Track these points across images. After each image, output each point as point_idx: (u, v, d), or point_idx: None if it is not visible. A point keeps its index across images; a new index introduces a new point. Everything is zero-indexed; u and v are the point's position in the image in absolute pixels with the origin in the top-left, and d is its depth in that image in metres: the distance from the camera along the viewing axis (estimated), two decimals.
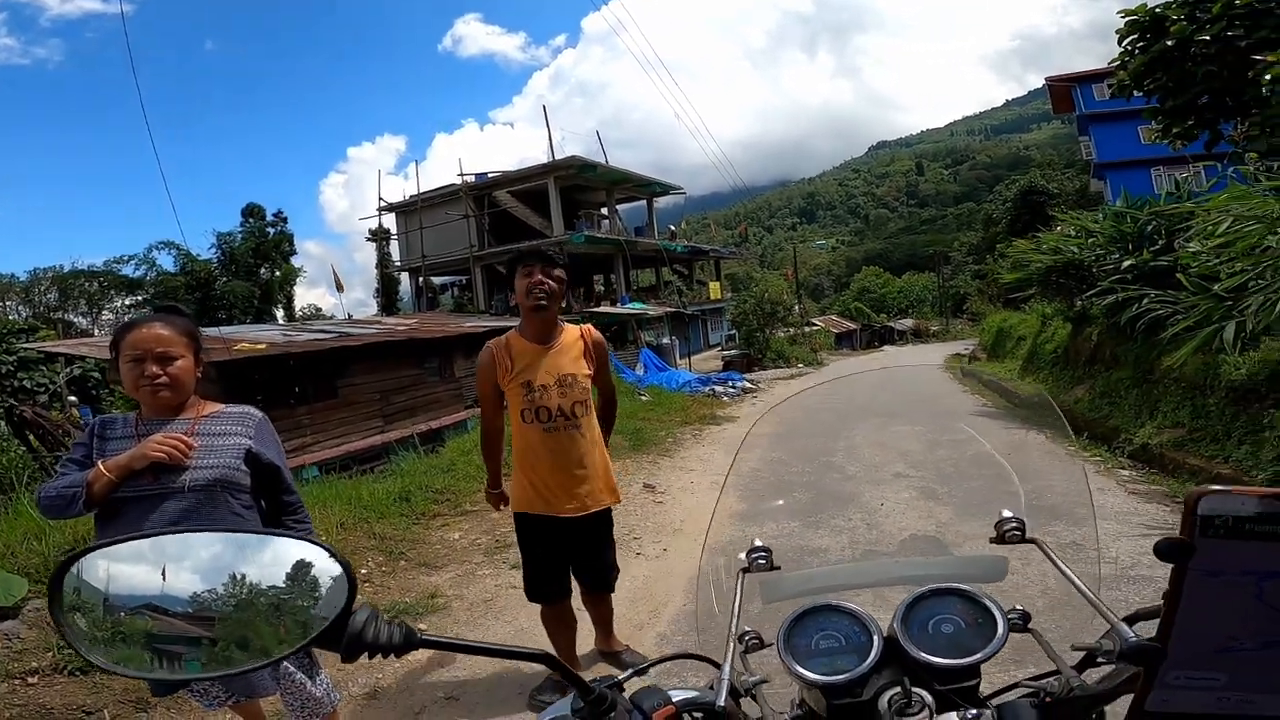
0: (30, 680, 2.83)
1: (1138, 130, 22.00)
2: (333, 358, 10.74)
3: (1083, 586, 0.75)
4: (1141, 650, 0.47)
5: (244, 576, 0.56)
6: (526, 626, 3.37)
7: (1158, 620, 0.65)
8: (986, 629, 0.75)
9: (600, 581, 2.75)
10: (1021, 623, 0.78)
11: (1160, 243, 7.55)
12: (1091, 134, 27.31)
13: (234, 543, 0.60)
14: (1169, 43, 9.04)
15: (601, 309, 22.58)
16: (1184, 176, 10.55)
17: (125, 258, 37.51)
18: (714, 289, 31.34)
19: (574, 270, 23.01)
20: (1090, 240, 8.75)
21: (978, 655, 0.72)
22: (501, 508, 2.83)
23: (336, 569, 0.58)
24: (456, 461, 6.76)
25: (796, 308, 30.57)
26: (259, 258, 36.70)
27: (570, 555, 2.66)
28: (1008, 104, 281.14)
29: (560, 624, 2.73)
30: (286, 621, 0.56)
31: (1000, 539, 0.88)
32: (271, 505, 2.05)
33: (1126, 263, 7.62)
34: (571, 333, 2.61)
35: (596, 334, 2.67)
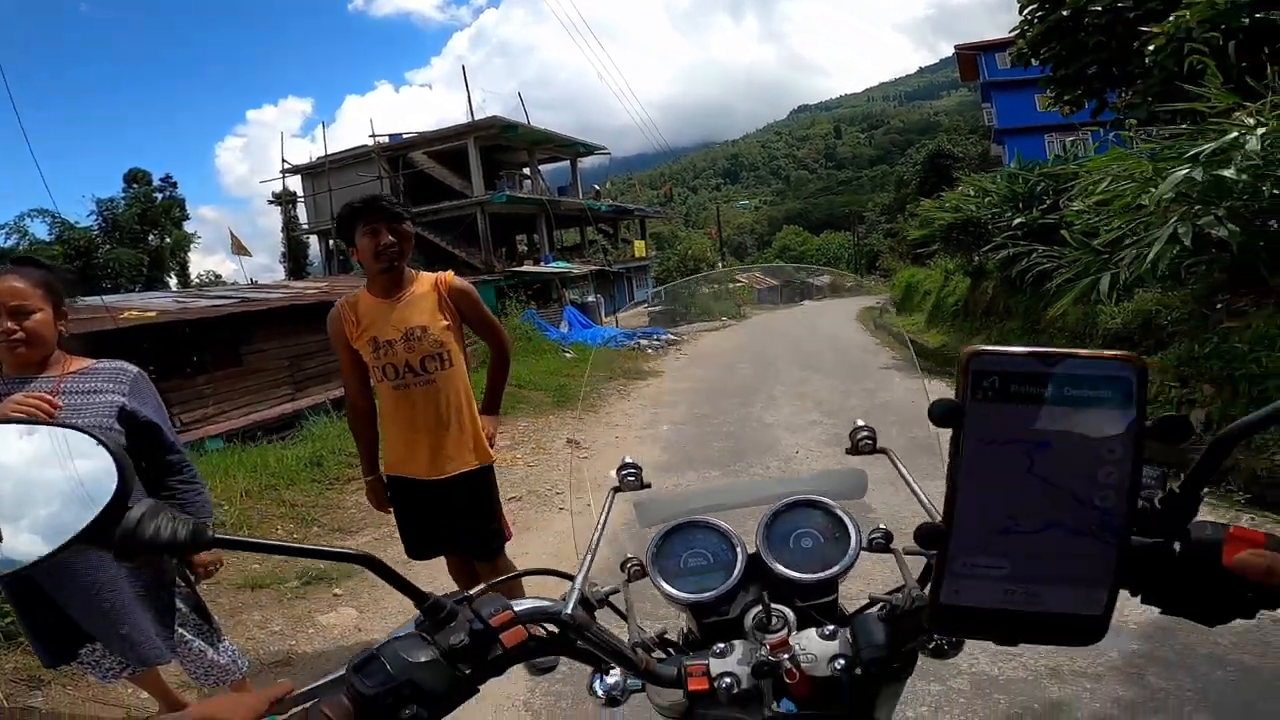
0: None
1: (1034, 98, 23.17)
2: (235, 323, 10.10)
3: (922, 495, 0.76)
4: (927, 533, 0.42)
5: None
6: (448, 584, 3.36)
7: None
8: (843, 543, 0.76)
9: (481, 551, 2.55)
10: (884, 541, 0.77)
11: (1048, 202, 8.06)
12: (993, 101, 28.58)
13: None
14: (1065, 13, 9.53)
15: (524, 268, 22.21)
16: (1071, 141, 11.29)
17: None
18: (639, 247, 31.29)
19: (495, 229, 22.29)
20: (987, 199, 9.26)
21: (834, 569, 0.73)
22: (387, 508, 2.53)
23: (106, 460, 0.53)
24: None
25: (720, 265, 30.99)
26: (146, 224, 33.90)
27: (445, 518, 2.46)
28: (920, 71, 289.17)
29: (462, 575, 2.65)
30: (26, 499, 0.52)
31: (854, 449, 0.89)
32: (153, 465, 1.94)
33: (1017, 220, 8.12)
34: (424, 283, 2.40)
35: (458, 281, 2.44)
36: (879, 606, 0.68)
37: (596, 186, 32.72)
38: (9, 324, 1.71)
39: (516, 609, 0.60)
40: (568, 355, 12.22)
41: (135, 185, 34.56)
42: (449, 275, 2.45)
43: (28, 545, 0.51)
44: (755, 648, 0.65)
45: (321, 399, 9.77)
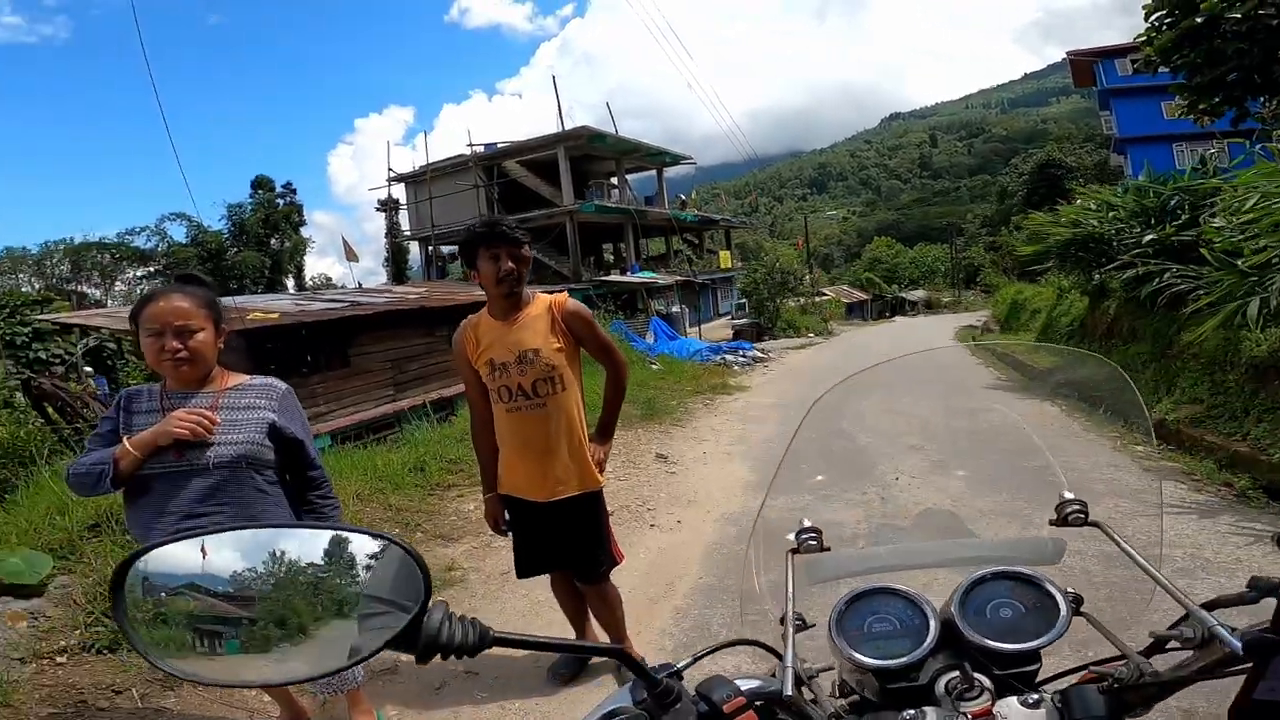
0: (59, 660, 2.80)
1: (1160, 106, 21.67)
2: (344, 326, 10.71)
3: (1155, 572, 0.73)
4: (1260, 643, 0.46)
5: (283, 554, 0.55)
6: (543, 599, 3.36)
7: (1238, 607, 0.62)
8: (1046, 613, 0.74)
9: (585, 574, 2.55)
10: (1075, 606, 0.76)
11: (1184, 217, 7.40)
12: (1113, 108, 26.92)
13: (287, 532, 0.58)
14: (1198, 19, 8.87)
15: (611, 278, 22.51)
16: (1209, 152, 10.38)
17: (137, 229, 37.86)
18: (724, 258, 31.12)
19: (583, 239, 22.66)
20: (1111, 214, 8.60)
21: (1041, 639, 0.71)
22: (503, 528, 2.56)
23: (407, 563, 0.54)
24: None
25: (807, 277, 30.37)
26: (269, 228, 37.13)
27: (552, 540, 2.48)
28: (1026, 77, 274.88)
29: (564, 592, 2.68)
30: (323, 600, 0.54)
31: (1061, 521, 0.86)
32: (296, 480, 2.03)
33: (1148, 237, 7.50)
34: (539, 305, 2.40)
35: (572, 304, 2.42)
36: (1102, 679, 0.65)
37: (682, 196, 32.81)
38: (174, 343, 1.82)
39: (743, 689, 0.61)
40: (654, 367, 12.25)
41: (260, 191, 37.83)
42: (563, 297, 2.45)
43: (301, 624, 0.53)
44: (950, 715, 0.65)
45: (420, 400, 10.24)
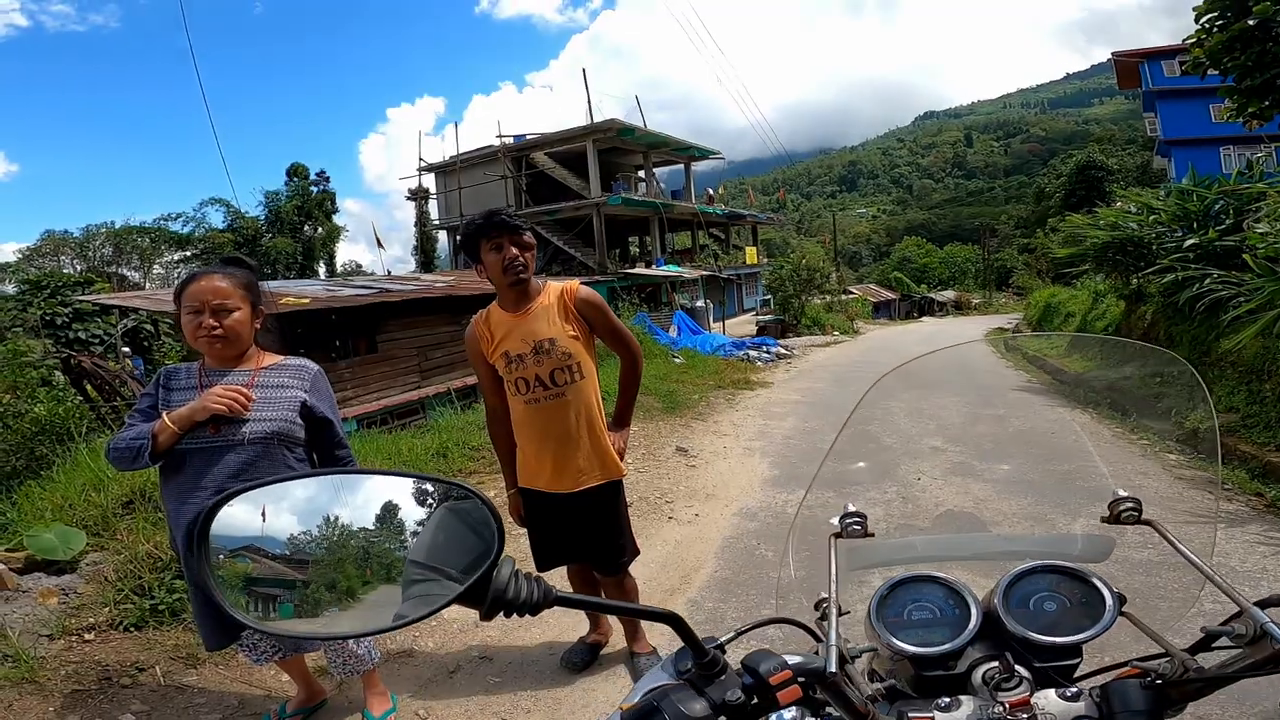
0: (87, 637, 2.81)
1: (1208, 108, 21.12)
2: (373, 313, 10.86)
3: (1208, 570, 0.72)
4: None
5: (337, 518, 0.56)
6: (556, 584, 3.40)
7: None
8: (1091, 609, 0.74)
9: (606, 565, 2.52)
10: (1118, 605, 0.75)
11: (1227, 222, 7.20)
12: (1158, 110, 26.19)
13: (338, 484, 0.59)
14: (1251, 22, 8.65)
15: (636, 270, 22.51)
16: (1257, 156, 10.08)
17: (175, 215, 38.82)
18: (750, 254, 30.92)
19: (609, 232, 22.65)
20: (1151, 218, 8.41)
21: (1085, 633, 0.72)
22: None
23: (476, 518, 0.54)
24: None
25: (833, 275, 30.03)
26: (303, 216, 37.83)
27: (573, 531, 2.45)
28: (1068, 77, 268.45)
29: (582, 584, 2.66)
30: (373, 564, 0.55)
31: (1114, 519, 0.85)
32: (323, 458, 2.07)
33: (1189, 241, 7.31)
34: (550, 293, 2.36)
35: (583, 290, 2.37)
36: (1145, 675, 0.65)
37: (710, 190, 32.61)
38: (210, 321, 1.87)
39: (790, 663, 0.60)
40: (677, 361, 12.23)
41: (295, 179, 38.52)
42: (574, 284, 2.41)
43: (350, 588, 0.54)
44: (987, 705, 0.65)
45: (445, 387, 10.37)
